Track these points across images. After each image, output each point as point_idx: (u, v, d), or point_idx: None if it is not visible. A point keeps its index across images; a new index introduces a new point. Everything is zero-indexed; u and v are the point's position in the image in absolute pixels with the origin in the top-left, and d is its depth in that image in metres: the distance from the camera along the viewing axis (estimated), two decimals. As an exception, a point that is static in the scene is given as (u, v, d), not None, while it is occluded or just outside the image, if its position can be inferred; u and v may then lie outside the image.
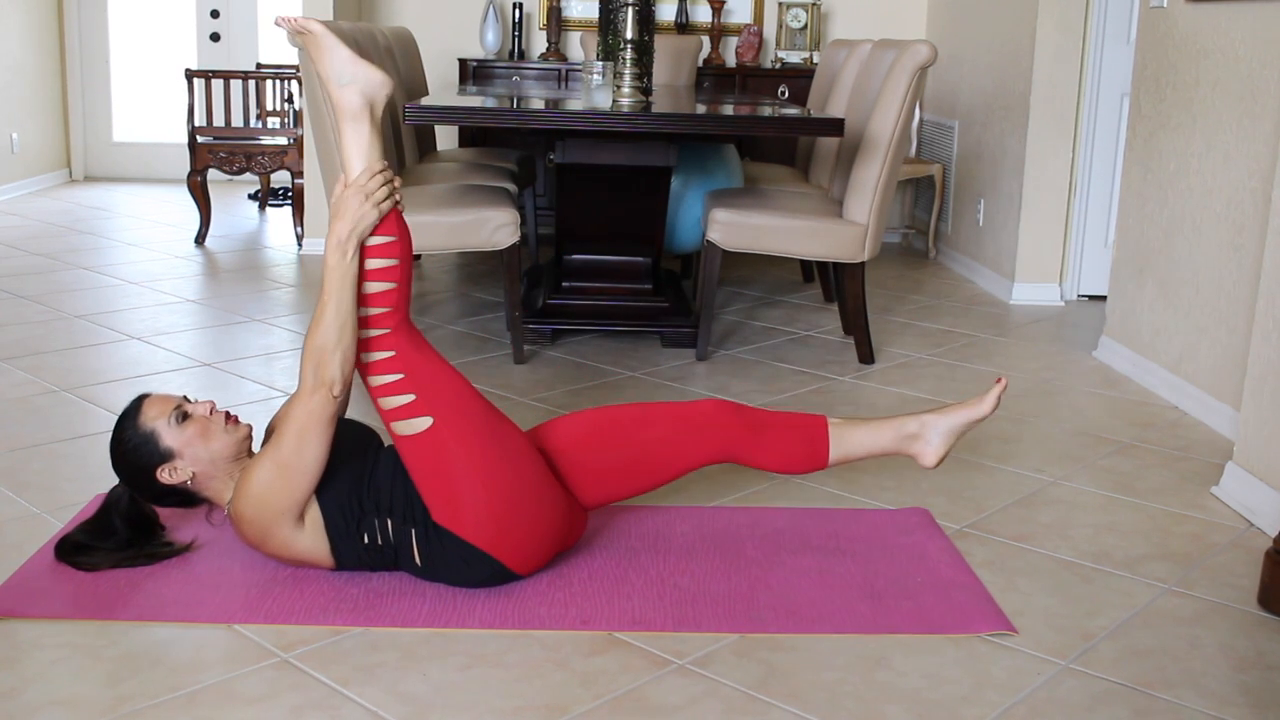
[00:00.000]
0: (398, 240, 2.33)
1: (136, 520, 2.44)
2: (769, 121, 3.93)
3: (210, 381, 3.76)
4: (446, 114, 3.87)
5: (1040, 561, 2.62)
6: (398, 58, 5.07)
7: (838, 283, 4.45)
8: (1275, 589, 2.40)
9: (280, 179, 7.92)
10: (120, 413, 2.40)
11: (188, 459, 2.34)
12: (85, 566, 2.38)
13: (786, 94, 6.47)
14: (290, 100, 6.64)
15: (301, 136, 6.10)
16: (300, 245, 6.07)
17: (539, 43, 6.78)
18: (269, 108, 6.92)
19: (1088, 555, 2.66)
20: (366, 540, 2.34)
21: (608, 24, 5.35)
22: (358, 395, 2.49)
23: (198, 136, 6.20)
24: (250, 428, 2.43)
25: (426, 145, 5.55)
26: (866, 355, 4.20)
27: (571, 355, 4.17)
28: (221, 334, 4.35)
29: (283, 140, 6.29)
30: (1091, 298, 5.32)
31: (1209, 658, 2.22)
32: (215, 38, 8.46)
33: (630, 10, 4.01)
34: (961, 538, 2.73)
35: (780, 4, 6.64)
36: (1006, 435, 3.44)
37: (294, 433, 2.25)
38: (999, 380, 2.60)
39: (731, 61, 6.73)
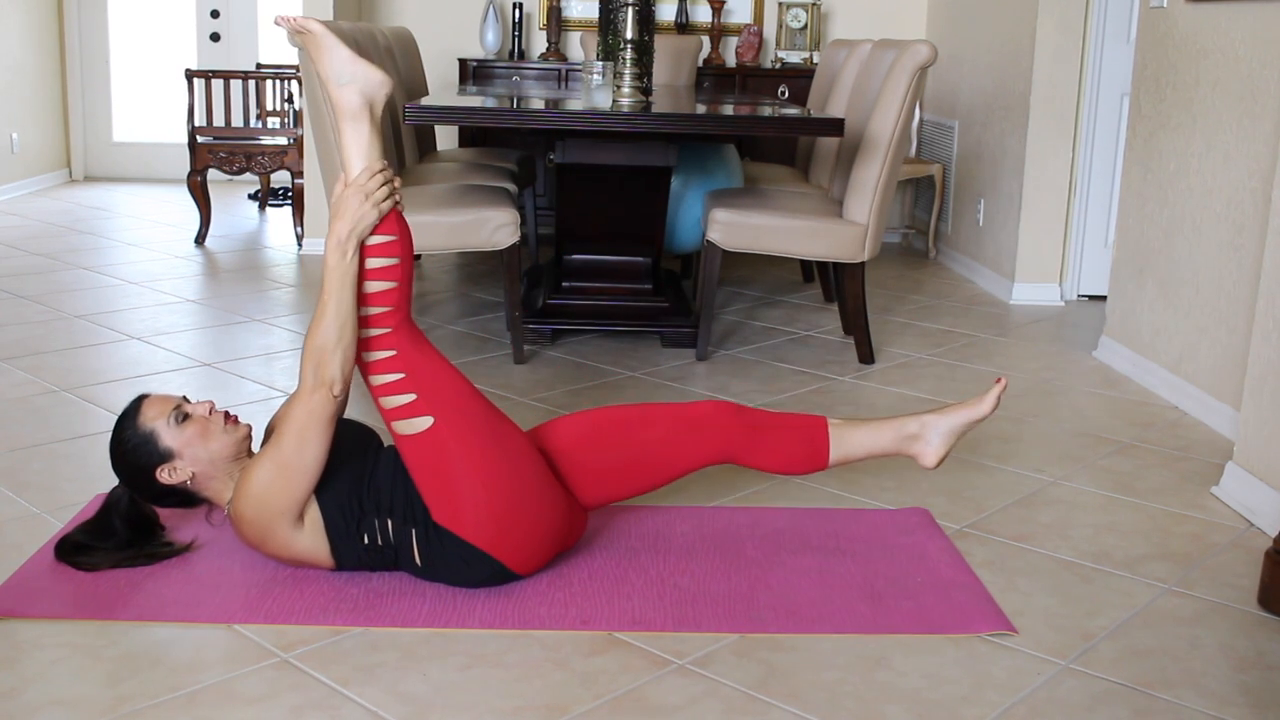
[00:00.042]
0: (398, 239, 2.33)
1: (136, 521, 2.44)
2: (769, 121, 3.93)
3: (210, 381, 3.76)
4: (446, 114, 3.87)
5: (1040, 561, 2.62)
6: (398, 58, 5.07)
7: (838, 283, 4.45)
8: (1275, 589, 2.40)
9: (280, 179, 7.93)
10: (120, 413, 2.40)
11: (187, 459, 2.34)
12: (85, 566, 2.38)
13: (786, 94, 6.47)
14: (290, 100, 6.64)
15: (301, 136, 6.10)
16: (300, 245, 6.07)
17: (539, 43, 6.79)
18: (269, 108, 6.93)
19: (1088, 555, 2.66)
20: (366, 541, 2.34)
21: (608, 24, 5.35)
22: (357, 395, 2.49)
23: (198, 136, 6.20)
24: (250, 428, 2.43)
25: (426, 145, 5.55)
26: (866, 355, 4.20)
27: (571, 355, 4.17)
28: (221, 334, 4.35)
29: (283, 140, 6.29)
30: (1091, 298, 5.32)
31: (1209, 658, 2.22)
32: (215, 38, 8.46)
33: (630, 10, 4.01)
34: (961, 538, 2.73)
35: (780, 4, 6.64)
36: (1006, 435, 3.44)
37: (294, 433, 2.25)
38: (999, 380, 2.60)
39: (731, 61, 6.73)
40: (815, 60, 6.58)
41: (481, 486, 2.28)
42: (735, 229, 4.06)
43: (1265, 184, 3.36)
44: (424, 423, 2.28)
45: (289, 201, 7.49)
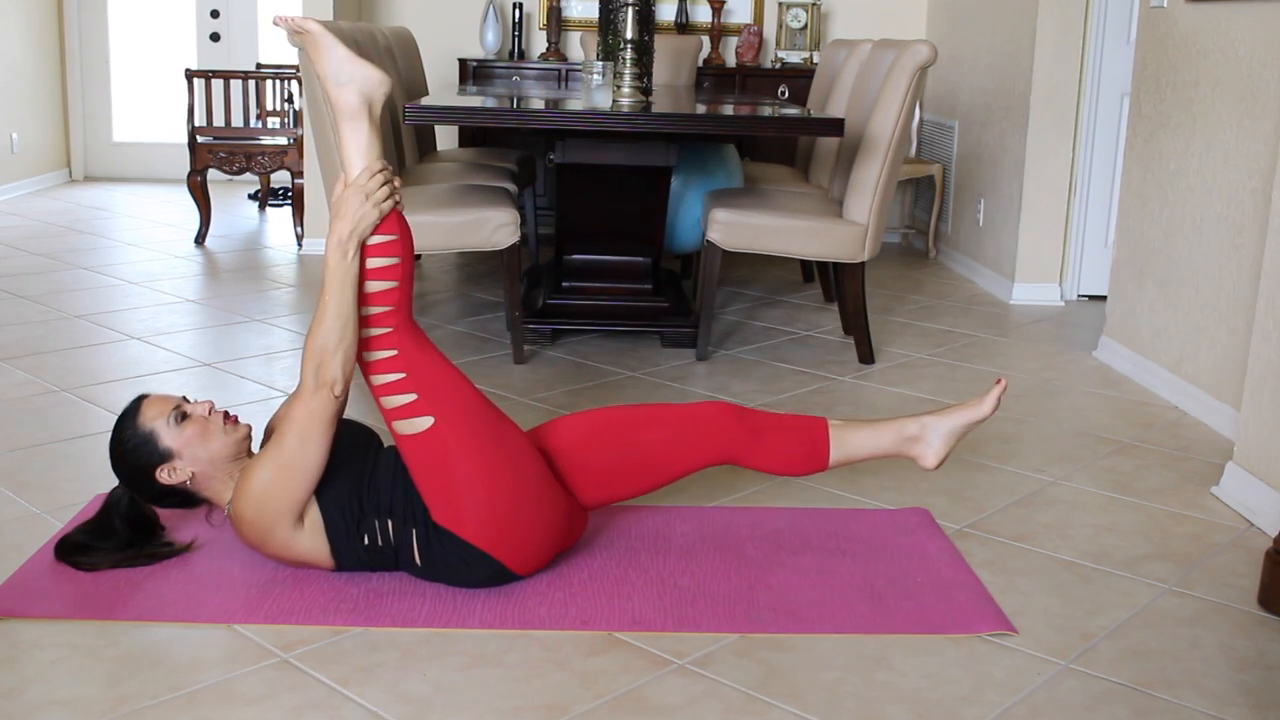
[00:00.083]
0: (398, 239, 2.33)
1: (136, 521, 2.44)
2: (769, 121, 3.93)
3: (210, 381, 3.76)
4: (446, 114, 3.87)
5: (1040, 561, 2.62)
6: (398, 58, 5.07)
7: (838, 283, 4.45)
8: (1275, 589, 2.40)
9: (280, 179, 7.93)
10: (120, 413, 2.40)
11: (187, 459, 2.34)
12: (85, 566, 2.38)
13: (786, 94, 6.47)
14: (290, 100, 6.64)
15: (301, 136, 6.10)
16: (300, 245, 6.07)
17: (539, 43, 6.79)
18: (269, 108, 6.93)
19: (1088, 555, 2.66)
20: (367, 541, 2.33)
21: (608, 24, 5.36)
22: (358, 395, 2.49)
23: (198, 136, 6.20)
24: (249, 428, 2.43)
25: (426, 145, 5.55)
26: (866, 355, 4.20)
27: (571, 355, 4.17)
28: (221, 334, 4.35)
29: (283, 140, 6.29)
30: (1091, 298, 5.32)
31: (1209, 658, 2.22)
32: (215, 38, 8.46)
33: (630, 10, 4.01)
34: (961, 538, 2.73)
35: (780, 4, 6.64)
36: (1006, 435, 3.44)
37: (295, 433, 2.25)
38: (999, 381, 2.60)
39: (731, 61, 6.73)
40: (815, 60, 6.58)
41: (482, 487, 2.28)
42: (735, 229, 4.06)
43: (1265, 184, 3.36)
44: (425, 423, 2.28)
45: (289, 201, 7.49)
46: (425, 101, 4.04)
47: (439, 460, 2.28)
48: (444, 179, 4.61)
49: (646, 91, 4.18)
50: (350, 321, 2.25)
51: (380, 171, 2.32)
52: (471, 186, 4.30)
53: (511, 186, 4.59)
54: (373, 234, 2.30)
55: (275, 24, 2.42)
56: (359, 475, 2.34)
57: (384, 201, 2.30)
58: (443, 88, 6.44)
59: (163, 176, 8.60)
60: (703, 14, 6.75)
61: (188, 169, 6.22)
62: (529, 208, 5.43)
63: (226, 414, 2.41)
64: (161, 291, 5.00)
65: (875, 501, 2.93)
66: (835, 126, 3.84)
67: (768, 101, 5.03)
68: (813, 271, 5.60)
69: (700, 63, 6.53)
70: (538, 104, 4.27)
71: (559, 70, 6.47)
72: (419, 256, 5.62)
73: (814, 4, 6.58)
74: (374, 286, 2.30)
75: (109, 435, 2.41)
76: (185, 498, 2.40)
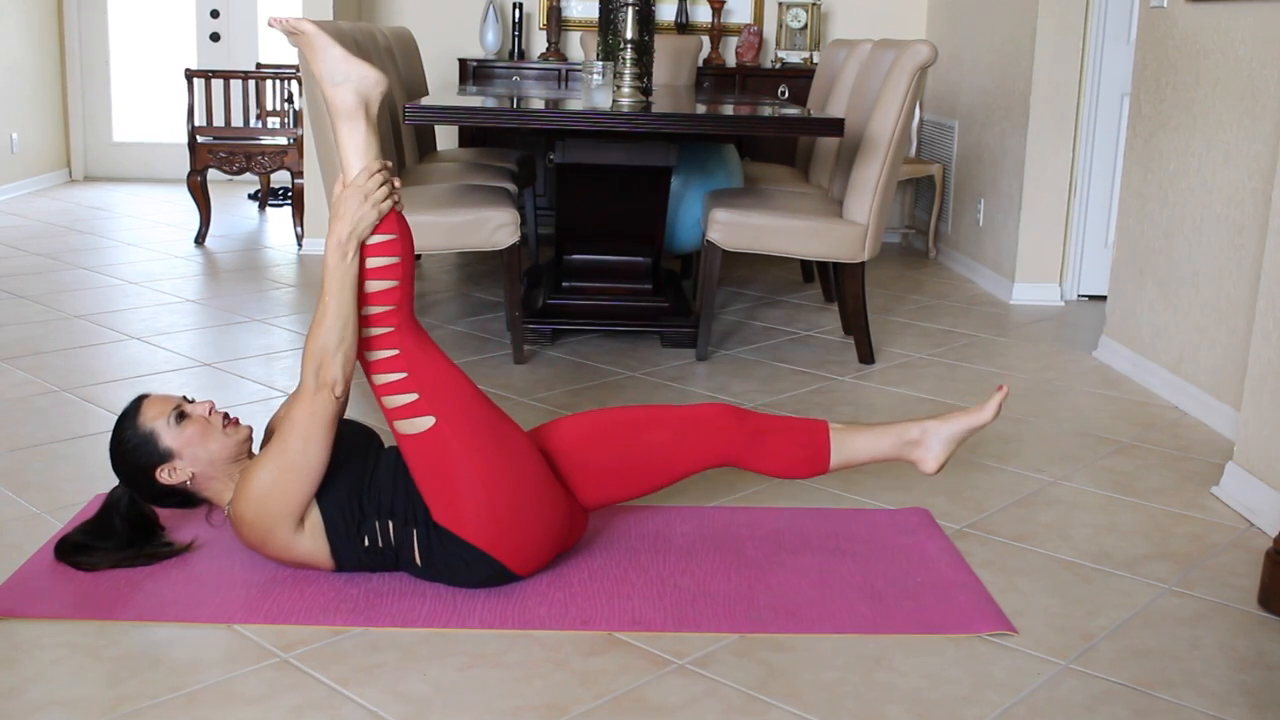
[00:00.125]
0: (398, 238, 2.33)
1: (136, 521, 2.44)
2: (769, 121, 3.93)
3: (210, 381, 3.76)
4: (446, 114, 3.87)
5: (1040, 561, 2.62)
6: (398, 58, 5.07)
7: (838, 283, 4.45)
8: (1275, 589, 2.40)
9: (280, 179, 7.92)
10: (120, 413, 2.40)
11: (187, 459, 2.34)
12: (85, 566, 2.38)
13: (786, 94, 6.47)
14: (290, 100, 6.64)
15: (301, 136, 6.10)
16: (300, 245, 6.07)
17: (539, 43, 6.79)
18: (269, 108, 6.93)
19: (1088, 555, 2.66)
20: (367, 543, 2.33)
21: (608, 24, 5.35)
22: (358, 395, 2.49)
23: (198, 136, 6.20)
24: (250, 429, 2.43)
25: (426, 145, 5.55)
26: (866, 355, 4.20)
27: (571, 355, 4.17)
28: (221, 334, 4.35)
29: (283, 140, 6.29)
30: (1091, 298, 5.32)
31: (1209, 658, 2.22)
32: (215, 38, 8.46)
33: (630, 10, 4.01)
34: (961, 538, 2.73)
35: (780, 4, 6.64)
36: (1006, 435, 3.44)
37: (296, 434, 2.25)
38: (1000, 388, 2.60)
39: (731, 61, 6.73)
40: (815, 60, 6.58)
41: (482, 487, 2.28)
42: (735, 229, 4.06)
43: (1265, 184, 3.36)
44: (426, 422, 2.28)
45: (289, 201, 7.49)
46: (425, 101, 4.04)
47: (440, 460, 2.28)
48: (444, 179, 4.61)
49: (646, 91, 4.18)
50: (350, 322, 2.25)
51: (379, 171, 2.32)
52: (471, 186, 4.30)
53: (511, 186, 4.59)
54: (372, 234, 2.30)
55: (270, 25, 2.42)
56: (359, 476, 2.34)
57: (383, 202, 2.30)
58: (443, 88, 6.44)
59: (163, 176, 8.60)
60: (703, 14, 6.75)
61: (188, 169, 6.22)
62: (529, 208, 5.43)
63: (226, 415, 2.41)
64: (161, 291, 5.00)
65: (875, 501, 2.93)
66: (835, 126, 3.84)
67: (768, 101, 5.03)
68: (813, 271, 5.60)
69: (700, 63, 6.53)
70: (538, 104, 4.27)
71: (559, 70, 6.47)
72: (419, 256, 5.62)
73: (814, 4, 6.58)
74: (374, 286, 2.30)
75: (109, 435, 2.41)
76: (185, 498, 2.40)
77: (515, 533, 2.32)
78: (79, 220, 6.75)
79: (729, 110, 4.15)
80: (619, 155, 4.07)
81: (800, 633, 2.25)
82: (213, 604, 2.28)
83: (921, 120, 6.52)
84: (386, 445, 2.48)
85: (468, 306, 4.90)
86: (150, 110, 8.65)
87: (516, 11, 6.55)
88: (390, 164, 2.37)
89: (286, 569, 2.41)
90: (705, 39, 6.67)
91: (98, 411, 3.43)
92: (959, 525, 2.80)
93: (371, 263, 2.30)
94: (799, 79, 6.48)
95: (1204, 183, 3.71)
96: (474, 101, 4.20)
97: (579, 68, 6.34)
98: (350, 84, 2.35)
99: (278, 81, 6.88)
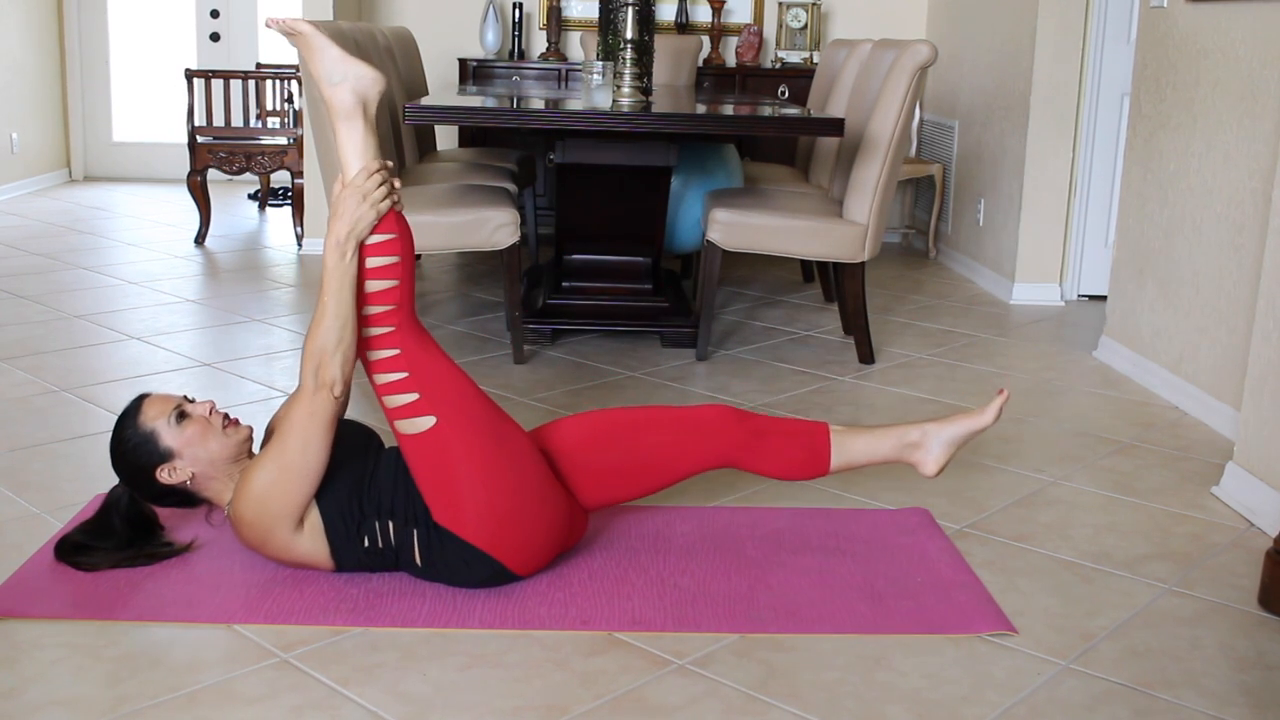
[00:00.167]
0: (398, 237, 2.33)
1: (136, 520, 2.44)
2: (769, 121, 3.93)
3: (210, 381, 3.76)
4: (446, 114, 3.87)
5: (1040, 561, 2.62)
6: (398, 58, 5.07)
7: (838, 283, 4.45)
8: (1275, 589, 2.40)
9: (280, 179, 7.92)
10: (121, 412, 2.40)
11: (187, 459, 2.34)
12: (85, 566, 2.38)
13: (786, 94, 6.47)
14: (290, 100, 6.64)
15: (301, 136, 6.10)
16: (300, 245, 6.07)
17: (539, 43, 6.78)
18: (269, 108, 6.93)
19: (1088, 555, 2.66)
20: (367, 543, 2.33)
21: (608, 24, 5.35)
22: (358, 395, 2.49)
23: (198, 136, 6.20)
24: (250, 429, 2.43)
25: (426, 145, 5.55)
26: (866, 355, 4.20)
27: (571, 355, 4.17)
28: (221, 334, 4.35)
29: (283, 140, 6.29)
30: (1091, 298, 5.32)
31: (1209, 658, 2.22)
32: (215, 38, 8.46)
33: (630, 10, 4.01)
34: (962, 538, 2.73)
35: (780, 4, 6.64)
36: (1006, 435, 3.44)
37: (295, 435, 2.25)
38: (1001, 391, 2.60)
39: (731, 61, 6.73)
40: (815, 60, 6.58)
41: (483, 487, 2.28)
42: (735, 229, 4.06)
43: (1265, 184, 3.36)
44: (426, 422, 2.28)
45: (289, 201, 7.49)
46: (425, 101, 4.04)
47: (440, 460, 2.28)
48: (444, 179, 4.61)
49: (646, 91, 4.18)
50: (349, 322, 2.25)
51: (377, 171, 2.32)
52: (471, 186, 4.30)
53: (511, 186, 4.59)
54: (371, 233, 2.30)
55: (268, 25, 2.42)
56: (359, 476, 2.34)
57: (381, 202, 2.30)
58: (443, 88, 6.44)
59: (163, 176, 8.59)
60: (703, 14, 6.75)
61: (188, 169, 6.22)
62: (529, 208, 5.43)
63: (226, 416, 2.41)
64: (161, 291, 5.00)
65: (875, 501, 2.93)
66: (835, 126, 3.84)
67: (768, 101, 5.03)
68: (813, 271, 5.60)
69: (700, 63, 6.53)
70: (538, 104, 4.27)
71: (559, 70, 6.47)
72: (419, 256, 5.62)
73: (814, 4, 6.58)
74: (374, 286, 2.30)
75: (109, 435, 2.41)
76: (185, 498, 2.40)
77: (515, 533, 2.32)
78: (79, 220, 6.75)
79: (729, 110, 4.15)
80: (619, 155, 4.07)
81: (800, 633, 2.25)
82: (213, 604, 2.28)
83: (921, 120, 6.52)
84: (387, 445, 2.48)
85: (468, 306, 4.90)
86: (150, 110, 8.65)
87: (516, 11, 6.55)
88: (390, 164, 2.37)
89: (286, 569, 2.41)
90: (705, 39, 6.67)
91: (98, 411, 3.43)
92: (959, 525, 2.80)
93: (371, 262, 2.30)
94: (799, 79, 6.48)
95: (1204, 183, 3.71)
96: (474, 101, 4.20)
97: (579, 68, 6.34)
98: (348, 84, 2.35)
99: (278, 81, 6.88)
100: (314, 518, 2.30)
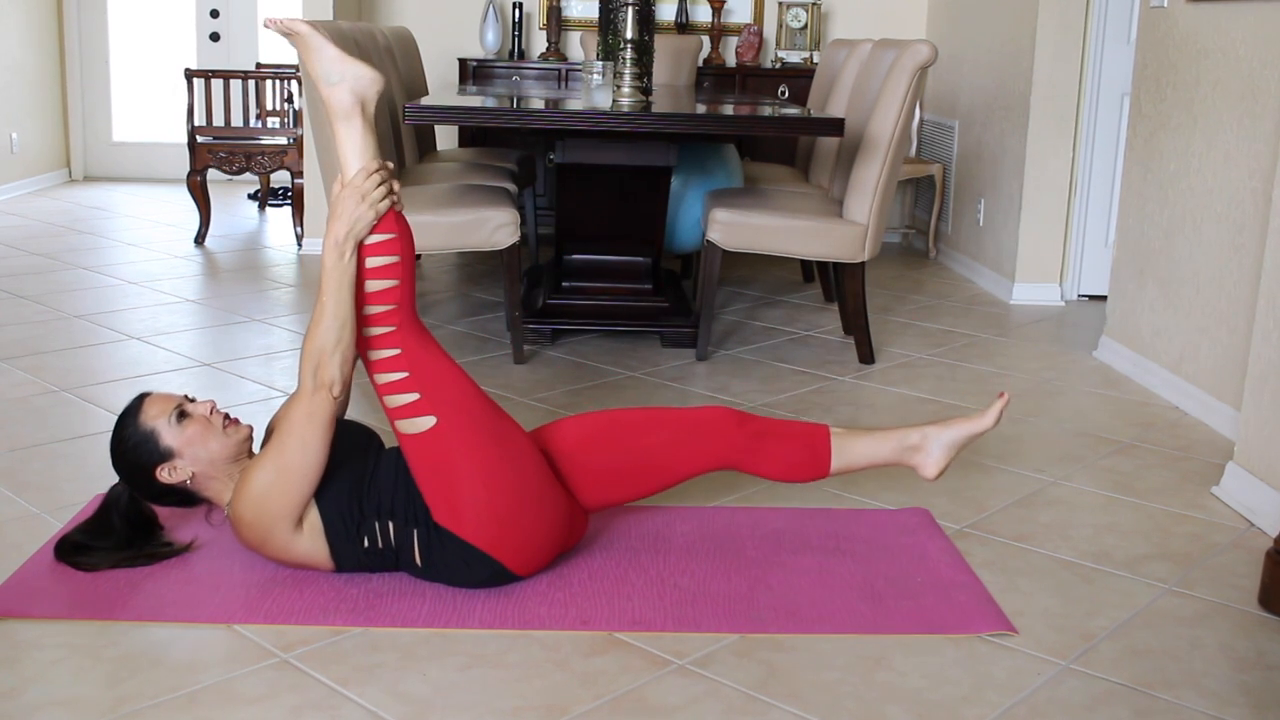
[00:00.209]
0: (397, 237, 2.33)
1: (136, 519, 2.44)
2: (769, 121, 3.93)
3: (210, 381, 3.76)
4: (446, 114, 3.87)
5: (1040, 561, 2.62)
6: (398, 58, 5.07)
7: (838, 283, 4.45)
8: (1276, 589, 2.40)
9: (280, 179, 7.92)
10: (121, 411, 2.40)
11: (187, 459, 2.34)
12: (85, 567, 2.38)
13: (786, 94, 6.47)
14: (290, 100, 6.64)
15: (301, 136, 6.10)
16: (300, 245, 6.07)
17: (539, 42, 6.78)
18: (269, 108, 6.93)
19: (1088, 555, 2.66)
20: (366, 544, 2.33)
21: (608, 24, 5.35)
22: (357, 395, 2.49)
23: (197, 136, 6.20)
24: (250, 429, 2.43)
25: (426, 145, 5.55)
26: (867, 355, 4.20)
27: (571, 355, 4.17)
28: (221, 334, 4.35)
29: (282, 140, 6.29)
30: (1092, 298, 5.32)
31: (1209, 658, 2.22)
32: (215, 38, 8.46)
33: (630, 10, 4.00)
34: (962, 538, 2.73)
35: (780, 4, 6.64)
36: (1007, 435, 3.44)
37: (294, 435, 2.25)
38: (1001, 395, 2.60)
39: (731, 61, 6.73)
40: (815, 60, 6.58)
41: (483, 487, 2.28)
42: (735, 229, 4.06)
43: (1266, 184, 3.36)
44: (427, 422, 2.28)
45: (289, 201, 7.48)
46: (425, 101, 4.04)
47: (441, 460, 2.28)
48: (444, 179, 4.61)
49: (646, 91, 4.17)
50: (348, 322, 2.25)
51: (376, 171, 2.32)
52: (471, 186, 4.30)
53: (511, 186, 4.59)
54: (371, 233, 2.30)
55: (266, 25, 2.42)
56: (359, 476, 2.34)
57: (380, 202, 2.30)
58: (443, 88, 6.44)
59: (163, 176, 8.59)
60: (703, 14, 6.74)
61: (187, 169, 6.22)
62: (529, 208, 5.43)
63: (227, 415, 2.41)
64: (161, 291, 5.00)
65: (875, 501, 2.93)
66: (835, 126, 3.84)
67: (768, 101, 5.03)
68: (813, 271, 5.60)
69: (700, 63, 6.52)
70: (538, 104, 4.27)
71: (559, 70, 6.47)
72: (419, 256, 5.62)
73: (814, 4, 6.58)
74: (374, 286, 2.30)
75: (109, 434, 2.41)
76: (185, 497, 2.40)
77: (515, 533, 2.32)
78: (79, 220, 6.75)
79: (729, 110, 4.15)
80: (619, 155, 4.07)
81: (800, 633, 2.25)
82: (213, 604, 2.28)
83: (921, 120, 6.52)
84: (387, 446, 2.48)
85: (468, 306, 4.90)
86: (150, 110, 8.65)
87: (516, 11, 6.55)
88: (390, 165, 2.37)
89: (286, 569, 2.41)
90: (705, 39, 6.67)
91: (97, 411, 3.43)
92: (959, 525, 2.80)
93: (371, 262, 2.29)
94: (799, 79, 6.48)
95: (1204, 182, 3.71)
96: (474, 101, 4.20)
97: (579, 68, 6.33)
98: (346, 84, 2.35)
99: (277, 81, 6.88)
100: (313, 518, 2.30)
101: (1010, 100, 5.37)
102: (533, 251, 5.66)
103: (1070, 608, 2.40)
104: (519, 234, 3.95)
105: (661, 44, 6.10)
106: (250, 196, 7.84)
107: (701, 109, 4.11)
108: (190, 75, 6.27)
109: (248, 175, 7.19)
